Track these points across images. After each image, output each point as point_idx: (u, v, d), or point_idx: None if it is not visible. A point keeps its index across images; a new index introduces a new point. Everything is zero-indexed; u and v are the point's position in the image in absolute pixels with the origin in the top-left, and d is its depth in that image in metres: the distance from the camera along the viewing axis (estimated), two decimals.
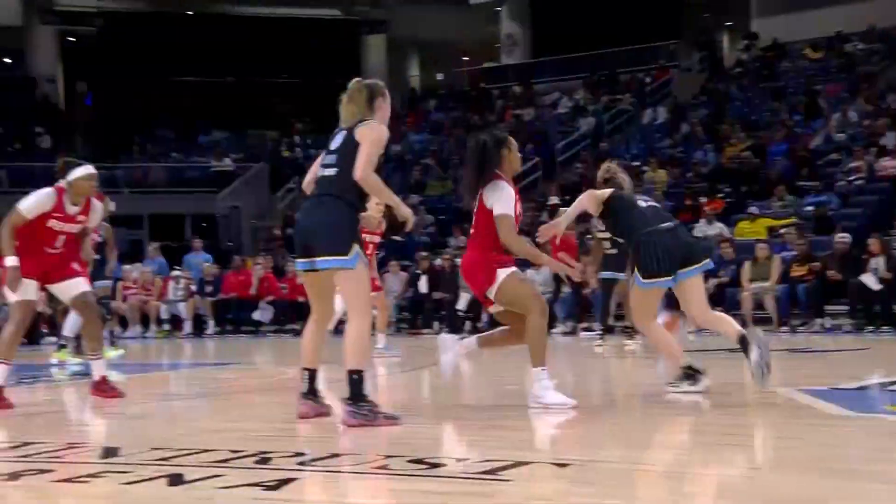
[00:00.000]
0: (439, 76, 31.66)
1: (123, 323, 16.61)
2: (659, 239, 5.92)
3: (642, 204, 6.14)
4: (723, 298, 14.23)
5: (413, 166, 24.09)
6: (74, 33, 30.59)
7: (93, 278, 11.70)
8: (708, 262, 6.15)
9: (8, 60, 31.15)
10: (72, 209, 6.52)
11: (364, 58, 31.58)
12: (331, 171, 5.23)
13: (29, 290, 6.43)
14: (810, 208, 16.70)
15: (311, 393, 5.34)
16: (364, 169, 5.11)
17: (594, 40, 27.57)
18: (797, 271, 13.95)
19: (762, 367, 5.75)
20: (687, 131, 21.99)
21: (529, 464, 3.95)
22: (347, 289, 5.16)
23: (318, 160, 5.41)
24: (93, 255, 10.26)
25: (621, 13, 29.05)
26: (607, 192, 6.19)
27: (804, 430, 4.81)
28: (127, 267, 16.98)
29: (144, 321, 17.07)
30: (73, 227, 6.57)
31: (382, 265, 17.04)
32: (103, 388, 6.69)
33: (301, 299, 13.80)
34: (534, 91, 27.60)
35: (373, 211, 7.35)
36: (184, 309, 17.02)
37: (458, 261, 16.11)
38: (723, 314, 6.36)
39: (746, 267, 14.08)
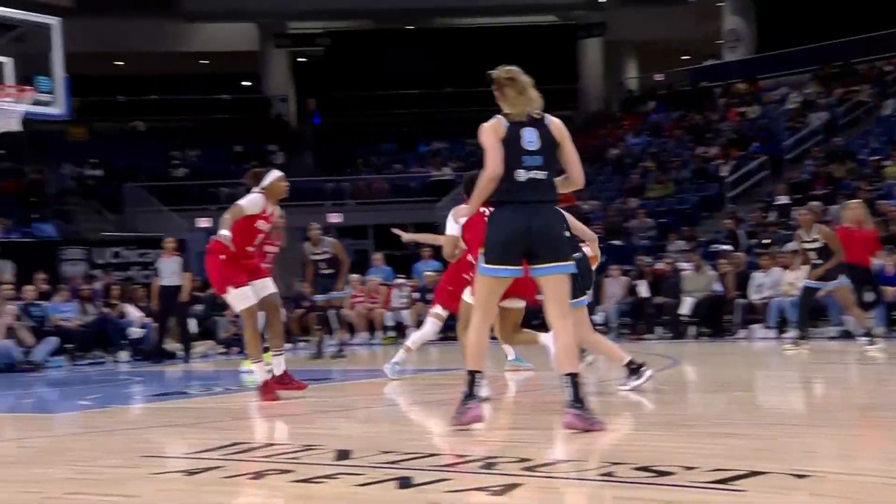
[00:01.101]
0: (658, 77, 30.99)
1: (351, 330, 17.28)
2: None
3: None
4: None
5: (631, 169, 23.71)
6: (304, 54, 32.23)
7: (326, 289, 12.38)
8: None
9: (247, 83, 33.24)
10: (270, 210, 7.34)
11: (580, 62, 31.42)
12: (542, 175, 5.13)
13: (248, 296, 7.14)
14: None
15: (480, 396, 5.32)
16: (582, 175, 5.25)
17: (825, 30, 26.09)
18: None
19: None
20: None
21: (765, 474, 3.76)
22: (564, 293, 5.19)
23: (498, 147, 5.08)
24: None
25: None
26: None
27: None
28: (354, 276, 17.66)
29: (371, 328, 17.68)
30: (269, 227, 7.45)
31: (602, 270, 16.84)
32: (286, 382, 7.10)
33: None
34: (759, 87, 26.50)
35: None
36: (408, 316, 17.50)
37: (680, 265, 15.90)
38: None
39: None
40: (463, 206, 6.05)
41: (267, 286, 7.30)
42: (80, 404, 8.54)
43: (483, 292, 5.29)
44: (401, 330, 17.64)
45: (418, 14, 31.66)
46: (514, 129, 5.14)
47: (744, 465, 3.90)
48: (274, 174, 7.39)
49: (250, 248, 7.30)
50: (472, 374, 5.21)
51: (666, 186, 22.14)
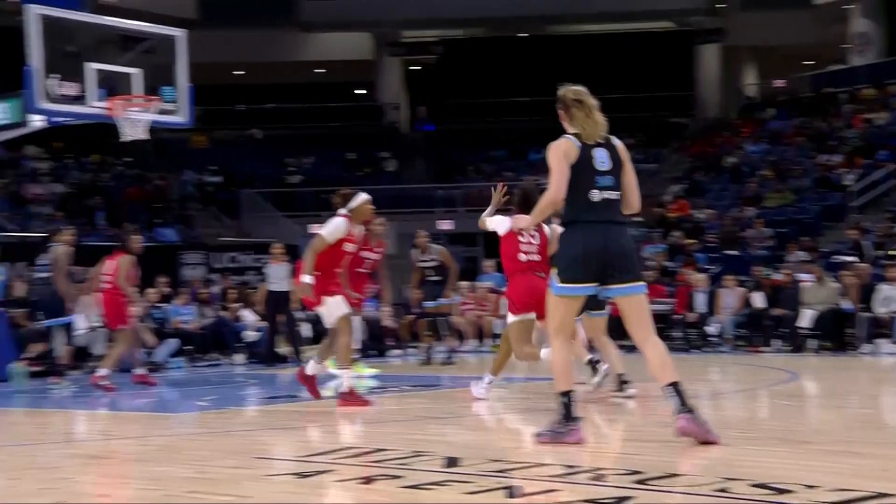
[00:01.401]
0: (778, 83, 30.12)
1: (460, 337, 17.31)
2: None
3: None
4: None
5: (749, 178, 23.13)
6: (417, 62, 32.54)
7: (434, 296, 12.44)
8: None
9: (361, 91, 33.76)
10: (356, 231, 7.47)
11: (697, 68, 30.83)
12: (614, 195, 5.21)
13: (342, 304, 7.37)
14: None
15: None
16: (639, 199, 5.34)
17: None
18: None
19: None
20: None
21: (892, 496, 3.59)
22: (646, 311, 5.26)
23: (565, 171, 5.09)
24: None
25: None
26: None
27: None
28: (463, 284, 17.67)
29: (480, 335, 17.68)
30: (355, 248, 7.62)
31: (717, 279, 16.45)
32: (311, 384, 7.68)
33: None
34: (889, 92, 25.47)
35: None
36: None
37: (799, 276, 15.40)
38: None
39: None
40: (524, 216, 6.24)
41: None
42: (198, 405, 8.79)
43: (557, 314, 5.29)
44: None
45: (531, 21, 31.58)
46: (587, 150, 5.20)
47: (869, 485, 3.74)
48: (361, 197, 7.50)
49: (338, 269, 7.52)
50: (567, 395, 5.21)
51: (784, 195, 21.52)
